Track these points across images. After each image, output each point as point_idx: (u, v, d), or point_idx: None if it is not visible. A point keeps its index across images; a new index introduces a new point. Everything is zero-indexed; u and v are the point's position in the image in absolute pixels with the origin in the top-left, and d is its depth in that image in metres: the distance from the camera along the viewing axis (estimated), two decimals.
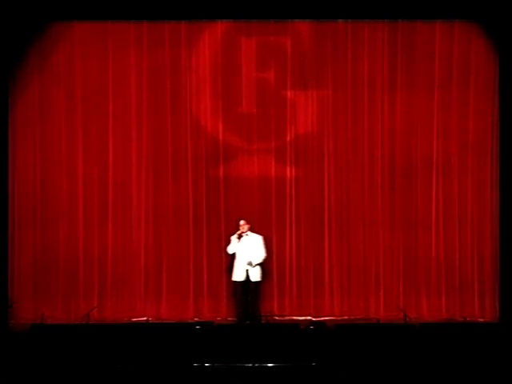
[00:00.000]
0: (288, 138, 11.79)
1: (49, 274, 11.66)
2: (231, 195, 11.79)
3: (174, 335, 8.76)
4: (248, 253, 11.08)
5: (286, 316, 11.61)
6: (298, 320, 11.21)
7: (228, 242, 11.30)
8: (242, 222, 11.16)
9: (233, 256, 11.21)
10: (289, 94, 11.77)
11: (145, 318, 11.38)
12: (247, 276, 11.05)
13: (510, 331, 8.90)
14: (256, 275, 11.09)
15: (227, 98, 11.78)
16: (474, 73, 11.68)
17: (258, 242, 11.19)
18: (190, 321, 10.96)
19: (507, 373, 8.34)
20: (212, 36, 11.75)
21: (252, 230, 11.23)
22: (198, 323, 9.34)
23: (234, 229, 11.33)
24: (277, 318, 11.42)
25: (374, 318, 11.34)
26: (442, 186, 11.75)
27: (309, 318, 11.48)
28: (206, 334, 8.84)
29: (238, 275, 11.11)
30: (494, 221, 11.61)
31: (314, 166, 11.81)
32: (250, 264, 11.01)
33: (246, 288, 11.08)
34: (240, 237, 11.10)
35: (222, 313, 11.61)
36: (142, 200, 11.78)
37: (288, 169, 11.81)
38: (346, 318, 11.60)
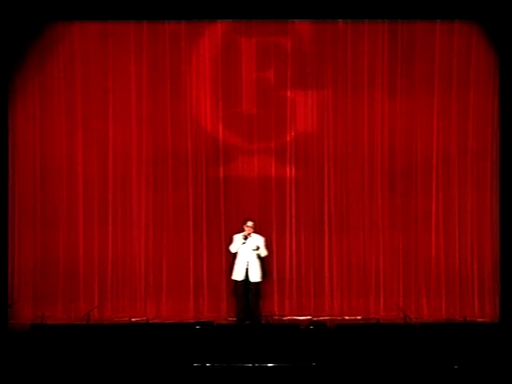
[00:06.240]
0: (288, 138, 11.79)
1: (49, 273, 11.67)
2: (231, 195, 11.80)
3: (174, 335, 8.76)
4: (249, 253, 11.08)
5: (285, 316, 11.63)
6: (298, 320, 11.22)
7: (229, 242, 11.30)
8: (250, 224, 11.11)
9: (234, 255, 11.21)
10: (289, 93, 11.77)
11: (145, 318, 11.37)
12: (247, 276, 11.06)
13: (510, 331, 8.90)
14: (256, 276, 11.10)
15: (227, 98, 11.78)
16: (474, 73, 11.68)
17: (259, 242, 11.18)
18: (190, 321, 10.96)
19: (507, 373, 8.34)
20: (212, 36, 11.75)
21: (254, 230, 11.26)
22: (197, 323, 9.33)
23: (233, 229, 11.34)
24: (277, 317, 11.42)
25: (374, 317, 11.35)
26: (442, 186, 11.75)
27: (309, 317, 11.49)
28: (205, 334, 8.84)
29: (237, 274, 11.12)
30: (493, 221, 11.61)
31: (314, 166, 11.81)
32: (256, 248, 11.01)
33: (246, 287, 11.09)
34: (246, 238, 11.08)
35: (222, 313, 11.61)
36: (142, 200, 11.78)
37: (288, 169, 11.81)
38: (346, 318, 11.60)
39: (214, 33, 11.75)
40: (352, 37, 11.70)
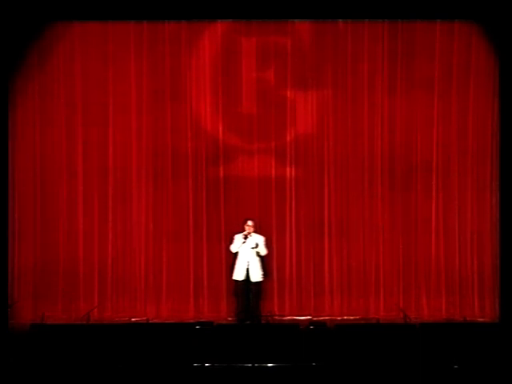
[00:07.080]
0: (288, 138, 11.79)
1: (49, 273, 11.67)
2: (231, 195, 11.80)
3: (174, 335, 8.75)
4: (250, 252, 11.09)
5: (286, 316, 11.63)
6: (298, 320, 11.21)
7: (229, 242, 11.30)
8: (250, 223, 11.14)
9: (235, 255, 11.21)
10: (289, 94, 11.77)
11: (145, 318, 11.37)
12: (247, 276, 11.07)
13: (510, 331, 8.89)
14: (256, 276, 11.10)
15: (227, 98, 11.78)
16: (474, 73, 11.69)
17: (259, 242, 11.17)
18: (190, 321, 10.95)
19: (507, 373, 8.34)
20: (212, 36, 11.75)
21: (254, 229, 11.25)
22: (197, 323, 9.33)
23: (234, 229, 11.34)
24: (277, 317, 11.41)
25: (373, 318, 11.35)
26: (442, 187, 11.76)
27: (309, 317, 11.49)
28: (205, 334, 8.83)
29: (238, 274, 11.13)
30: (493, 221, 11.61)
31: (314, 167, 11.81)
32: (256, 246, 11.02)
33: (246, 287, 11.10)
34: (246, 237, 11.09)
35: (222, 313, 11.61)
36: (142, 200, 11.78)
37: (288, 169, 11.81)
38: (345, 318, 11.60)
39: (214, 33, 11.75)
40: (352, 37, 11.70)
